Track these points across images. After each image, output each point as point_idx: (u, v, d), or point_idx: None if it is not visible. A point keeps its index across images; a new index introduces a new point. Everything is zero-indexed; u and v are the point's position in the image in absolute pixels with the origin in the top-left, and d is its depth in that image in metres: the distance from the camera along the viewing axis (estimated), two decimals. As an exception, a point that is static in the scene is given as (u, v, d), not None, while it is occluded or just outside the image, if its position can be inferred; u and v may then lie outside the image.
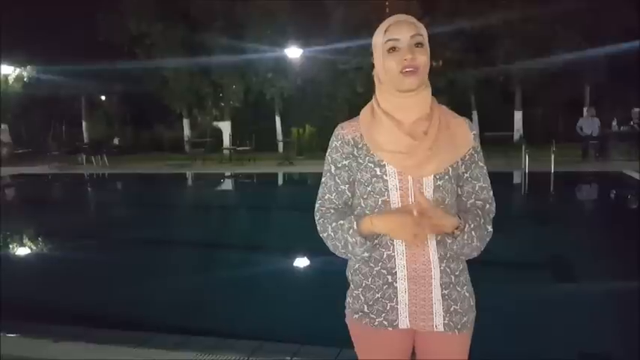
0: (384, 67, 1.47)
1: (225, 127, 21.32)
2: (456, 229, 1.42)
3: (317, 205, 1.60)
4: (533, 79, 17.81)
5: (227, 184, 14.75)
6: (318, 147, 18.79)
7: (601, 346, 3.28)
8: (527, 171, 10.44)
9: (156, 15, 18.78)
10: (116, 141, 21.31)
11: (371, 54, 1.53)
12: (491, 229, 1.50)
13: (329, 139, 1.58)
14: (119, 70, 19.48)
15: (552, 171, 10.98)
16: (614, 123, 14.45)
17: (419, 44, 1.43)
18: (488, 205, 1.53)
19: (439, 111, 1.51)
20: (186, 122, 22.06)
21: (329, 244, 1.53)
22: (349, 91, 19.17)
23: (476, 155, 1.52)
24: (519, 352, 3.13)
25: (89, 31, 18.48)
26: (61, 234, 7.55)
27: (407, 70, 1.42)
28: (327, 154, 1.58)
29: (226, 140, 20.77)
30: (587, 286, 4.54)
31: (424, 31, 1.46)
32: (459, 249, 1.44)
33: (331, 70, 19.17)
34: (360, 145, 1.51)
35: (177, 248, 6.76)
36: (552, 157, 11.14)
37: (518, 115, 18.96)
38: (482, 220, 1.48)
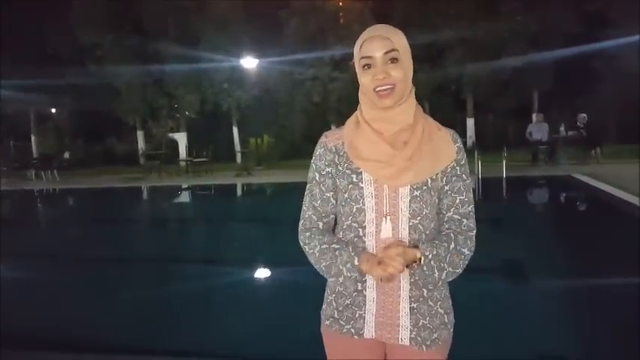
0: (361, 83, 1.47)
1: (181, 138, 21.02)
2: (418, 260, 1.41)
3: (305, 215, 1.57)
4: (484, 87, 18.34)
5: (184, 197, 14.49)
6: (276, 157, 18.77)
7: (549, 346, 3.35)
8: (480, 177, 10.69)
9: (106, 25, 18.38)
10: (67, 155, 20.61)
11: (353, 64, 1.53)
12: (469, 251, 1.48)
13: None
14: (69, 82, 18.95)
15: (504, 176, 11.29)
16: (562, 128, 14.98)
17: (394, 59, 1.42)
18: (465, 221, 1.50)
19: (423, 122, 1.49)
20: (140, 134, 21.61)
21: (311, 259, 1.54)
22: (306, 100, 19.26)
23: (458, 168, 1.50)
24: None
25: (37, 43, 17.93)
26: (8, 254, 7.22)
27: (380, 89, 1.41)
28: (311, 162, 1.58)
29: (182, 152, 20.46)
30: (537, 287, 4.67)
31: (401, 44, 1.44)
32: (426, 277, 1.43)
33: (287, 80, 19.23)
34: (341, 153, 1.52)
35: (133, 265, 6.55)
36: (504, 162, 11.46)
37: (470, 123, 19.46)
38: (454, 245, 1.45)
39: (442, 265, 1.42)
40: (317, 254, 1.50)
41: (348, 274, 1.45)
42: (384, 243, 1.44)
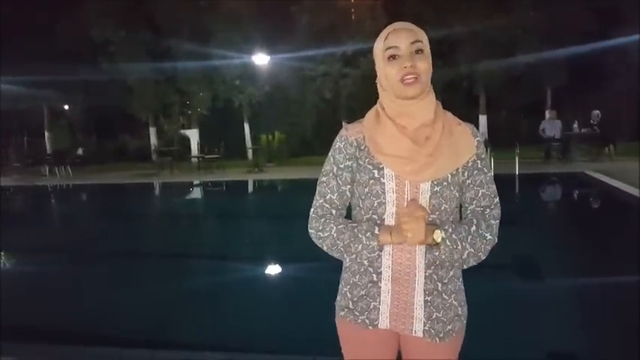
0: (385, 75, 1.47)
1: (193, 134, 21.10)
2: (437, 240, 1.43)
3: (317, 203, 1.58)
4: (497, 84, 18.19)
5: (196, 193, 14.57)
6: (287, 153, 18.78)
7: (560, 345, 3.33)
8: (492, 174, 10.62)
9: (119, 22, 18.48)
10: (80, 151, 20.82)
11: (372, 61, 1.53)
12: (492, 237, 1.48)
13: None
14: (83, 78, 19.09)
15: (517, 173, 11.22)
16: (575, 125, 14.83)
17: (419, 51, 1.44)
18: (488, 210, 1.51)
19: (443, 117, 1.51)
20: (152, 131, 21.71)
21: (327, 242, 1.53)
22: (317, 97, 19.23)
23: (479, 162, 1.52)
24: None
25: (51, 39, 18.07)
26: (25, 249, 7.31)
27: (407, 78, 1.42)
28: (329, 154, 1.58)
29: (194, 148, 20.55)
30: (551, 284, 4.64)
31: (424, 38, 1.46)
32: (448, 256, 1.44)
33: (299, 76, 19.21)
34: (362, 147, 1.52)
35: (145, 260, 6.60)
36: (517, 159, 11.38)
37: (482, 119, 19.31)
38: (475, 228, 1.46)
39: (464, 244, 1.43)
40: (334, 235, 1.51)
41: (367, 243, 1.45)
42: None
